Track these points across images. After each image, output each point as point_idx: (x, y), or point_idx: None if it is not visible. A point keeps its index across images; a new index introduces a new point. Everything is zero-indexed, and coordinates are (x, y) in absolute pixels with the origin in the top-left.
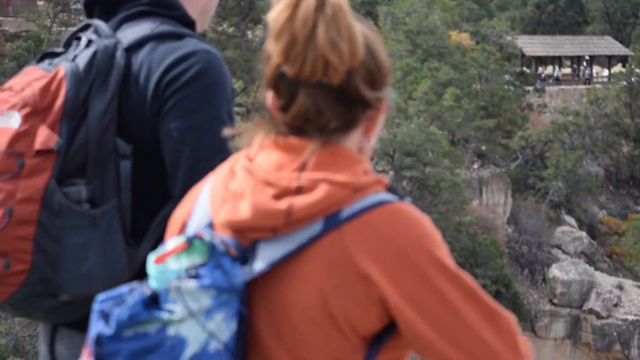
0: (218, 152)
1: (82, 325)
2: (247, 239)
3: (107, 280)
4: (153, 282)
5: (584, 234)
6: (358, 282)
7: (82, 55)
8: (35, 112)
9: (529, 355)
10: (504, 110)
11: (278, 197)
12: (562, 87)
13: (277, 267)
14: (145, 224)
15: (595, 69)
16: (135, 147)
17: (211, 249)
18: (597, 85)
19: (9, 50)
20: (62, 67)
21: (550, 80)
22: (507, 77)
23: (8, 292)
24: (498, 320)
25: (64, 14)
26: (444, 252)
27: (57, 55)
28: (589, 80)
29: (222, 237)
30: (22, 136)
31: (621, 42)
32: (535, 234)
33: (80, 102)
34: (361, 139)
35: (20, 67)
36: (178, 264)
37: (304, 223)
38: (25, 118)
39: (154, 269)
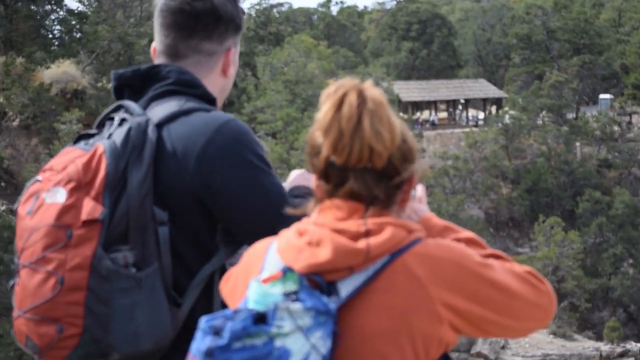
0: (278, 194)
1: None
2: (325, 280)
3: (154, 338)
4: (252, 304)
5: None
6: (431, 304)
7: (117, 133)
8: (80, 186)
9: (544, 280)
10: None
11: (353, 239)
12: (439, 131)
13: (357, 298)
14: (185, 284)
15: (471, 112)
16: (172, 213)
17: (301, 281)
18: (474, 128)
19: None
20: (101, 144)
21: (427, 125)
22: None
23: (62, 356)
24: (527, 279)
25: None
26: (475, 253)
27: (91, 136)
28: (475, 124)
29: (307, 274)
30: (68, 209)
31: (495, 84)
32: None
33: (119, 175)
34: (398, 210)
35: None
36: (277, 289)
37: (376, 259)
38: (71, 192)
39: (255, 292)
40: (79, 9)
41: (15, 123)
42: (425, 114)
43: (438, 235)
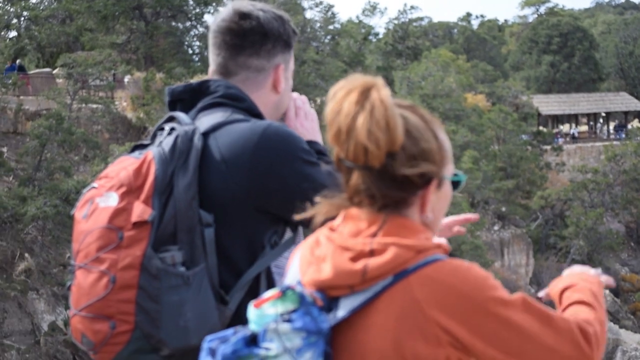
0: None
1: None
2: (329, 295)
3: (202, 333)
4: (252, 325)
5: (607, 291)
6: (428, 327)
7: (166, 141)
8: (130, 190)
9: (593, 343)
10: (523, 171)
11: (354, 259)
12: (580, 144)
13: (356, 316)
14: (232, 283)
15: (612, 125)
16: (219, 216)
17: (301, 298)
18: (615, 142)
19: (31, 129)
20: (150, 151)
21: (568, 138)
22: (524, 137)
23: (115, 351)
24: (554, 322)
25: (84, 90)
26: (497, 287)
27: (145, 146)
28: (626, 135)
29: (310, 290)
30: (120, 212)
31: (637, 97)
32: None
33: (167, 180)
34: (420, 214)
35: (42, 145)
36: (274, 309)
37: (376, 280)
38: (122, 196)
39: (253, 313)
40: None
41: None
42: (565, 127)
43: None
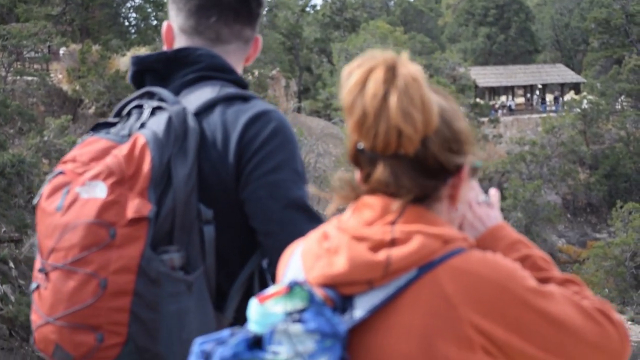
0: (304, 202)
1: None
2: (342, 293)
3: None
4: (253, 326)
5: None
6: (461, 327)
7: (153, 122)
8: (122, 180)
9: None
10: None
11: (374, 249)
12: (517, 116)
13: (375, 316)
14: (226, 287)
15: (548, 97)
16: (216, 211)
17: (310, 296)
18: (551, 114)
19: None
20: (141, 135)
21: (505, 110)
22: (461, 109)
23: None
24: (596, 315)
25: (18, 63)
26: (529, 277)
27: (111, 125)
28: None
29: (319, 288)
30: (111, 205)
31: (573, 69)
32: None
33: (164, 168)
34: (449, 208)
35: None
36: (280, 307)
37: (399, 273)
38: (112, 187)
39: (255, 311)
40: None
41: (91, 110)
42: (502, 99)
43: (506, 249)
